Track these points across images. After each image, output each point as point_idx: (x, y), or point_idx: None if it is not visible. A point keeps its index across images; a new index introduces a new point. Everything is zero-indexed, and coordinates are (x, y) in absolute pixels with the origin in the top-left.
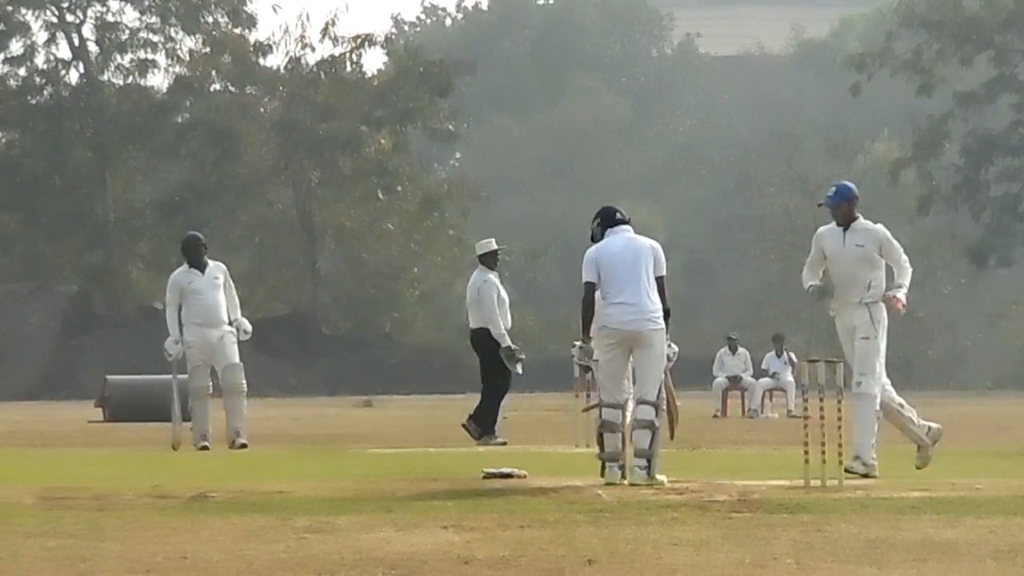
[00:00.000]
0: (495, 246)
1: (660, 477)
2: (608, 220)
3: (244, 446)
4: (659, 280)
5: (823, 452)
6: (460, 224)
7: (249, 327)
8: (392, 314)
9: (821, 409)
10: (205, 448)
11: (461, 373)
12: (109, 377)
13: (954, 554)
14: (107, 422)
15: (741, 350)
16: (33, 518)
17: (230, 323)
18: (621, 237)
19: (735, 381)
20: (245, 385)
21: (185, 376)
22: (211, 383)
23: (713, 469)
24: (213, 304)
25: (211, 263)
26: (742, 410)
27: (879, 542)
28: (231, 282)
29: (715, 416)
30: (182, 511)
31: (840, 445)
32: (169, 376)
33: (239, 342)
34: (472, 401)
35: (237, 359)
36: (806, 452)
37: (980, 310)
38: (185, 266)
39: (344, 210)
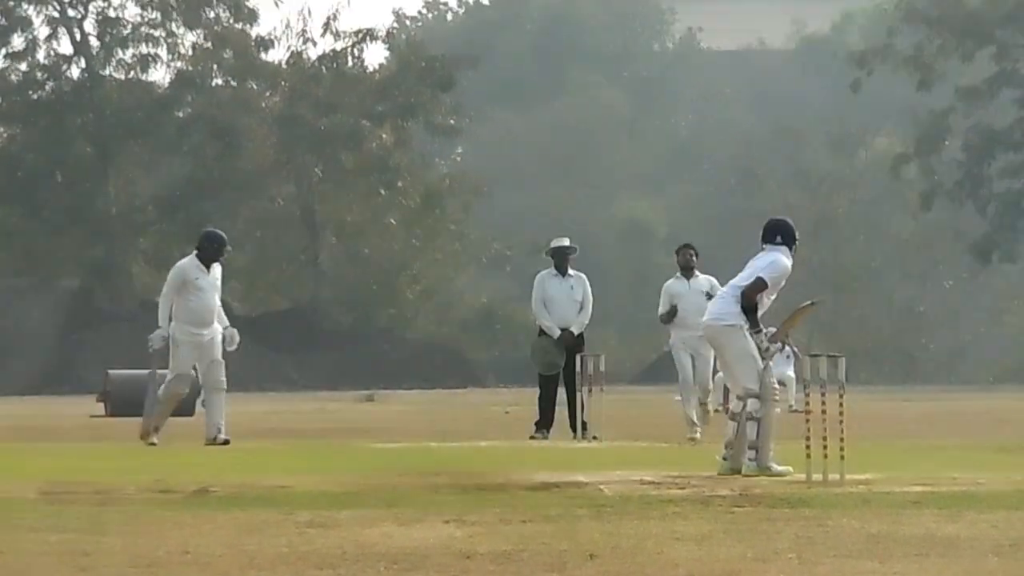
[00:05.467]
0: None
1: (778, 468)
2: None
3: (227, 442)
4: None
5: (825, 447)
6: (462, 219)
7: (238, 339)
8: (390, 310)
9: (823, 404)
10: (153, 444)
11: (463, 368)
12: (110, 372)
13: (956, 549)
14: (108, 416)
15: None
16: (35, 512)
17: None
18: None
19: None
20: (225, 382)
21: (164, 371)
22: (188, 390)
23: (715, 464)
24: (211, 305)
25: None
26: None
27: (881, 537)
28: (220, 284)
29: (716, 411)
30: (184, 505)
31: (842, 439)
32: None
33: (225, 350)
34: (473, 395)
35: (220, 356)
36: (808, 447)
37: (982, 305)
38: (193, 258)
39: (346, 205)
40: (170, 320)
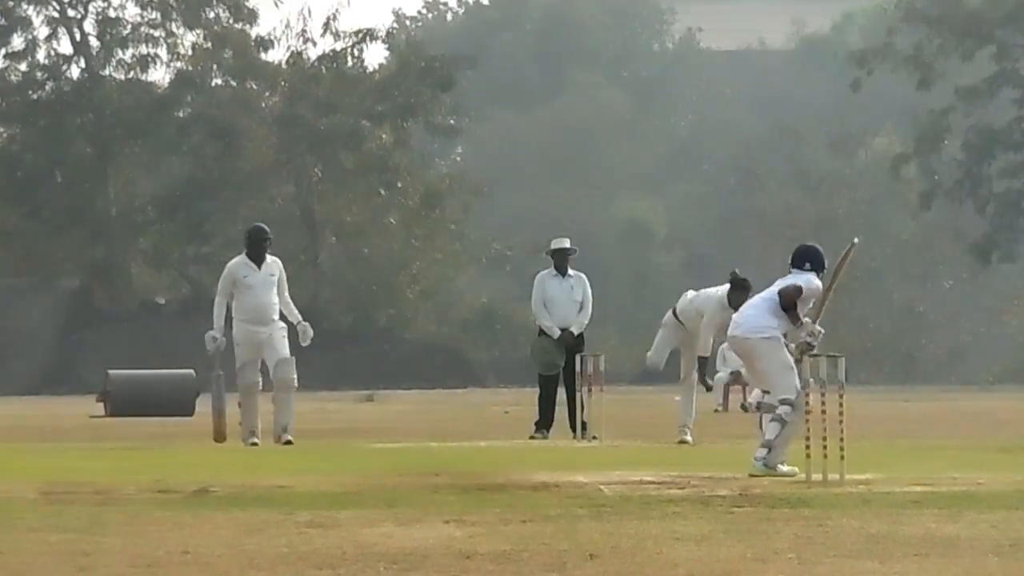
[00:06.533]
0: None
1: (784, 468)
2: None
3: (289, 442)
4: None
5: (825, 447)
6: (462, 219)
7: (311, 333)
8: (390, 310)
9: (823, 404)
10: (255, 444)
11: (463, 368)
12: (110, 372)
13: (955, 549)
14: (108, 417)
15: None
16: (35, 512)
17: (289, 323)
18: None
19: (737, 376)
20: (296, 380)
21: (221, 373)
22: (260, 379)
23: (715, 464)
24: (266, 302)
25: (268, 259)
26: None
27: (880, 537)
28: (284, 280)
29: (716, 411)
30: (184, 506)
31: (842, 439)
32: (169, 371)
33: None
34: (473, 395)
35: (288, 353)
36: (807, 446)
37: (982, 305)
38: (243, 257)
39: (345, 205)
40: (226, 321)
